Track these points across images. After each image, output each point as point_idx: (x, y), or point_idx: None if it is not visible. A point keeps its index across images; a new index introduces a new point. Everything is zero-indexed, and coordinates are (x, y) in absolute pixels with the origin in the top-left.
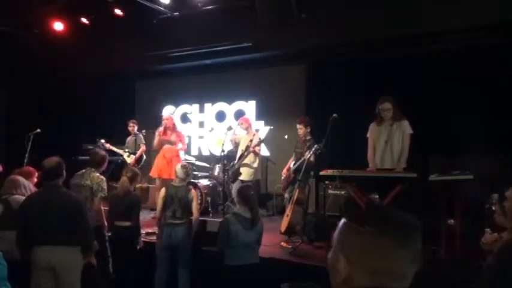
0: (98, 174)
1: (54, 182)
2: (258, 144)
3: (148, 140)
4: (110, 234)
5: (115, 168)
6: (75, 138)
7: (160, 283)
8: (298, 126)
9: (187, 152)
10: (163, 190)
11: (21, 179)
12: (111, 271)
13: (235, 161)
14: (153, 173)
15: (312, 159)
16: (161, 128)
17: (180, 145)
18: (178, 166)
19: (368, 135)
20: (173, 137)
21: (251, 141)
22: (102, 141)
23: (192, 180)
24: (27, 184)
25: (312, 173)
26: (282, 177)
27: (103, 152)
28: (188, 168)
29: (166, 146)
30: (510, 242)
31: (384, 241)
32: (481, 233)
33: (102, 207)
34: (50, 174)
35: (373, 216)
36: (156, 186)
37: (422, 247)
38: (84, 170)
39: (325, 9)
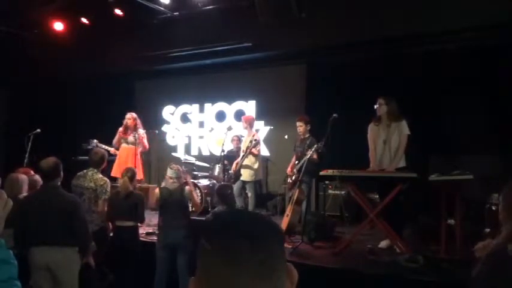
0: (101, 176)
1: (52, 183)
2: (254, 146)
3: (148, 140)
4: (111, 234)
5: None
6: (75, 138)
7: (160, 283)
8: (298, 123)
9: (188, 152)
10: (157, 191)
11: (23, 177)
12: (110, 271)
13: (239, 159)
14: (112, 171)
15: (314, 156)
16: (121, 128)
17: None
18: (168, 167)
19: (368, 135)
20: (131, 138)
21: (251, 141)
22: (95, 141)
23: (192, 180)
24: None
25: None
26: (287, 176)
27: (102, 151)
28: (174, 167)
29: (124, 146)
30: (500, 247)
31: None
32: (481, 233)
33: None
34: (47, 175)
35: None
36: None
37: (422, 247)
38: (85, 171)
39: (325, 9)
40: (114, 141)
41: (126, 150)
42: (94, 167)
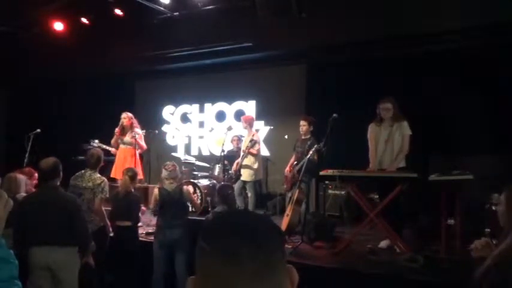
0: (99, 175)
1: (52, 183)
2: (251, 146)
3: (148, 140)
4: (111, 234)
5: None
6: (75, 138)
7: (158, 283)
8: (302, 122)
9: (188, 152)
10: (156, 191)
11: (21, 176)
12: (110, 271)
13: (240, 159)
14: (111, 172)
15: (315, 157)
16: (117, 128)
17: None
18: (163, 168)
19: (368, 135)
20: (128, 138)
21: (250, 141)
22: (96, 141)
23: (192, 180)
24: (29, 182)
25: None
26: (285, 176)
27: (98, 152)
28: (169, 168)
29: (121, 147)
30: (507, 254)
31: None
32: (481, 233)
33: (104, 208)
34: (47, 175)
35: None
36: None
37: (422, 247)
38: (83, 171)
39: (325, 9)
40: (112, 141)
41: (123, 152)
42: (91, 168)
